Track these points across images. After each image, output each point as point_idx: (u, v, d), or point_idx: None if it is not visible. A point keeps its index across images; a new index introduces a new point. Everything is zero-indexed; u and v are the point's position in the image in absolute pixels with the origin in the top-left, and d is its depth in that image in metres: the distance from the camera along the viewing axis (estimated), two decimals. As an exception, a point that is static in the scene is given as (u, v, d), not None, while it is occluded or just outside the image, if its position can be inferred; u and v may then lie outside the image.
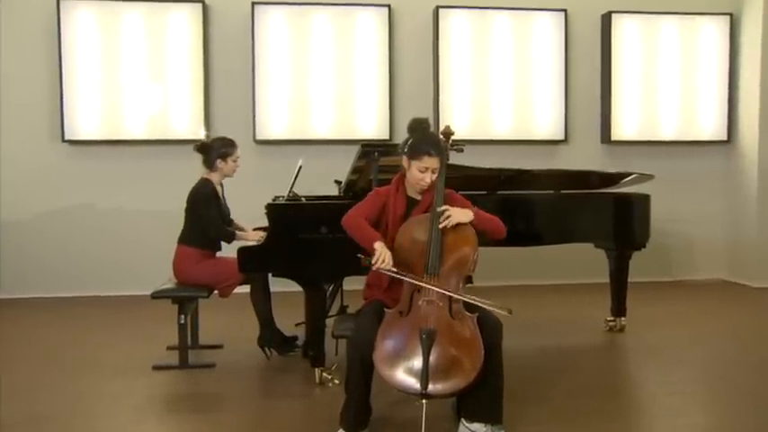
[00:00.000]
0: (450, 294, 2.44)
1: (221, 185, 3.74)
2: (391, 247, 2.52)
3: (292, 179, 3.81)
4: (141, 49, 5.45)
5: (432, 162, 2.55)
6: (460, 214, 2.54)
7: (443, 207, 2.52)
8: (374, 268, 2.43)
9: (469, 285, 2.57)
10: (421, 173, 2.57)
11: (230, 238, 3.58)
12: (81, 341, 4.09)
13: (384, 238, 2.60)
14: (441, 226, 2.49)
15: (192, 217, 3.58)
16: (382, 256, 2.43)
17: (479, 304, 2.42)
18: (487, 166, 3.65)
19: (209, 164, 3.62)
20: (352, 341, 2.47)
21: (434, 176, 2.58)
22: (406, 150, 2.60)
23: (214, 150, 3.61)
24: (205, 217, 3.53)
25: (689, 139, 6.05)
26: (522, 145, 5.84)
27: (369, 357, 2.39)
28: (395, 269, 2.44)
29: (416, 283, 2.45)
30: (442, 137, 2.74)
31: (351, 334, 2.52)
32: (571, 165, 5.42)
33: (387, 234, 2.64)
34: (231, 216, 3.78)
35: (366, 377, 2.45)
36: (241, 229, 3.69)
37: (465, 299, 2.44)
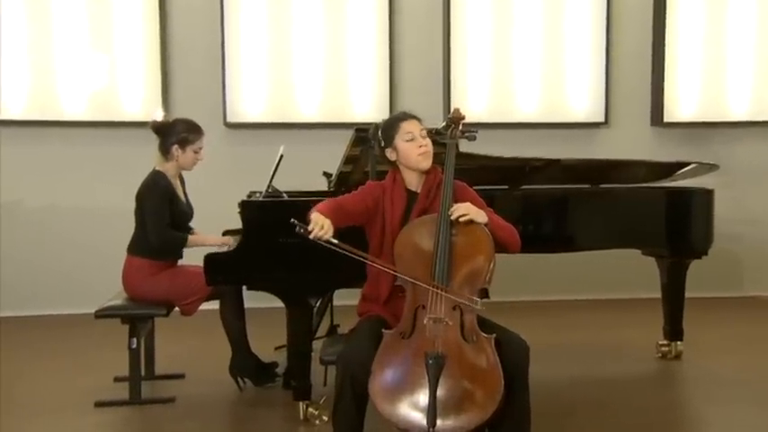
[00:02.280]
0: (454, 298, 2.47)
1: (181, 180, 3.75)
2: (390, 254, 2.57)
3: (272, 171, 3.84)
4: (81, 10, 5.47)
5: (411, 125, 2.68)
6: (474, 213, 2.58)
7: (455, 207, 2.57)
8: (312, 237, 2.42)
9: (485, 301, 2.57)
10: (409, 141, 2.67)
11: (178, 244, 3.57)
12: (2, 372, 4.05)
13: (380, 242, 2.65)
14: (453, 217, 2.53)
15: (142, 219, 3.59)
16: (319, 222, 2.43)
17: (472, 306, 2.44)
18: (510, 155, 3.67)
19: (165, 150, 3.64)
20: (341, 361, 2.50)
21: (427, 139, 2.68)
22: (382, 142, 2.72)
23: (173, 134, 3.62)
24: (149, 217, 3.52)
25: (763, 119, 6.04)
26: (552, 129, 5.85)
27: (362, 382, 2.42)
28: (336, 241, 2.44)
29: (386, 270, 2.49)
30: (450, 123, 2.78)
31: (341, 351, 2.55)
32: (613, 153, 5.43)
33: (384, 237, 2.68)
34: (194, 219, 3.79)
35: (359, 407, 2.48)
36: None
37: (461, 300, 2.46)
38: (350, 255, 2.46)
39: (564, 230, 3.75)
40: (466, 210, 2.56)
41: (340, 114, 5.63)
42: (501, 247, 2.65)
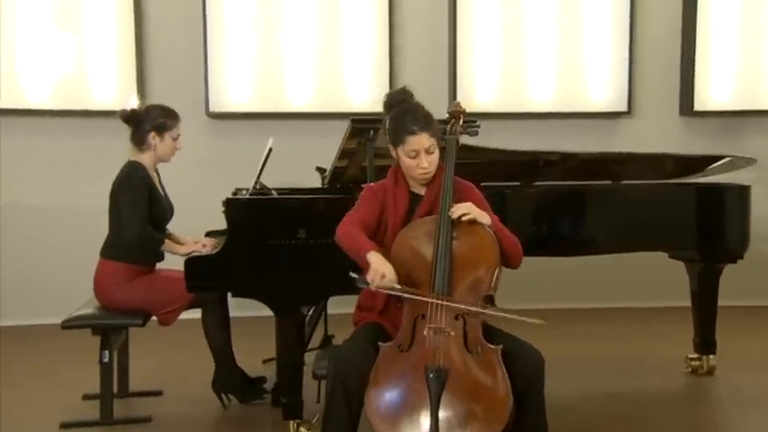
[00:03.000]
0: (468, 309, 2.48)
1: (157, 173, 3.73)
2: (388, 259, 2.57)
3: (260, 166, 3.83)
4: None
5: (418, 141, 2.63)
6: (477, 214, 2.60)
7: (456, 206, 2.59)
8: (373, 288, 2.47)
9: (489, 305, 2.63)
10: (411, 159, 2.66)
11: (156, 245, 3.56)
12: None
13: (385, 247, 2.66)
14: (453, 216, 2.55)
15: (117, 218, 3.60)
16: (380, 270, 2.46)
17: (495, 314, 2.47)
18: (522, 149, 3.66)
19: (139, 140, 3.63)
20: (333, 368, 2.52)
21: (432, 157, 2.66)
22: (387, 135, 2.73)
23: (147, 121, 3.61)
24: (124, 211, 3.50)
25: (806, 108, 6.01)
26: (569, 119, 5.84)
27: (357, 392, 2.44)
28: (399, 286, 2.48)
29: (427, 300, 2.48)
30: (450, 118, 2.82)
31: (332, 356, 2.57)
32: (637, 145, 5.33)
33: (384, 240, 2.71)
34: (173, 219, 3.77)
35: (352, 421, 2.49)
36: (177, 242, 3.66)
37: (474, 310, 2.47)
38: (417, 299, 2.49)
39: (582, 231, 3.74)
40: (467, 209, 2.57)
41: (335, 104, 5.62)
42: (503, 257, 2.66)
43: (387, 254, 2.63)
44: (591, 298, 5.84)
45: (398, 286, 2.48)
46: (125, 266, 3.57)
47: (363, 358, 2.48)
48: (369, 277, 2.47)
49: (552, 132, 5.71)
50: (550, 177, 3.91)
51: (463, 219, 2.56)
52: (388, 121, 2.72)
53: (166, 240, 3.59)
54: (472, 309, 2.49)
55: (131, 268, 3.58)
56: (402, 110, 2.71)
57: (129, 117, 3.64)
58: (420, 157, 2.64)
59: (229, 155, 5.44)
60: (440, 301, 2.48)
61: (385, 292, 2.49)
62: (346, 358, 2.50)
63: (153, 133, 3.61)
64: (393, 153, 2.73)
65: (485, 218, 2.60)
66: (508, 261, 2.68)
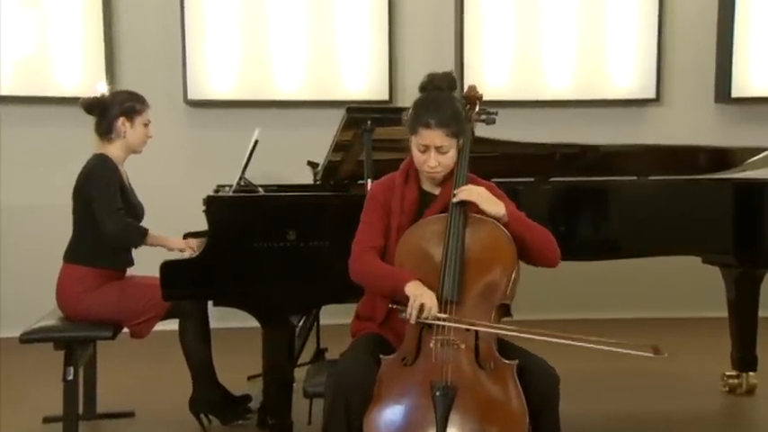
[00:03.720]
0: (493, 330, 2.48)
1: (124, 172, 3.70)
2: (392, 263, 2.62)
3: (244, 160, 3.83)
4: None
5: (430, 137, 2.63)
6: (485, 198, 2.61)
7: (466, 186, 2.60)
8: (412, 321, 2.47)
9: (507, 320, 2.59)
10: (421, 153, 2.67)
11: (137, 236, 3.55)
12: None
13: (389, 252, 2.67)
14: (455, 200, 2.57)
15: (83, 217, 3.58)
16: (417, 301, 2.46)
17: (582, 344, 2.47)
18: (536, 140, 3.65)
19: (107, 128, 3.62)
20: (333, 382, 2.51)
21: (444, 157, 2.67)
22: (408, 121, 2.73)
23: (115, 105, 3.61)
24: (98, 200, 3.48)
25: None
26: (589, 108, 5.82)
27: (358, 409, 2.44)
28: (444, 315, 2.48)
29: (478, 329, 2.48)
30: (465, 103, 2.83)
31: (332, 371, 2.57)
32: (667, 136, 5.29)
33: (388, 243, 2.71)
34: (146, 219, 3.75)
35: None
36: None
37: (538, 337, 2.45)
38: (459, 326, 2.48)
39: (604, 233, 3.73)
40: (476, 195, 2.59)
41: (328, 91, 5.63)
42: (532, 252, 2.66)
43: (389, 259, 2.66)
44: (614, 307, 5.82)
45: (443, 315, 2.47)
46: (92, 271, 3.55)
47: (365, 372, 2.48)
48: (408, 311, 2.47)
49: (571, 122, 5.70)
50: (568, 172, 3.89)
51: (465, 198, 2.57)
52: (412, 108, 2.73)
53: (152, 234, 3.57)
54: (536, 337, 2.46)
55: (99, 273, 3.56)
56: (428, 98, 2.71)
57: (93, 105, 3.63)
58: (429, 153, 2.65)
59: (211, 148, 5.44)
60: (493, 330, 2.49)
61: (431, 323, 2.48)
62: (347, 373, 2.49)
63: (122, 119, 3.60)
64: (409, 141, 2.74)
65: (494, 206, 2.60)
66: (539, 258, 2.68)
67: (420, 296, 2.46)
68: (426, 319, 2.45)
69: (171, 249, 3.57)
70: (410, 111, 2.71)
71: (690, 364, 4.68)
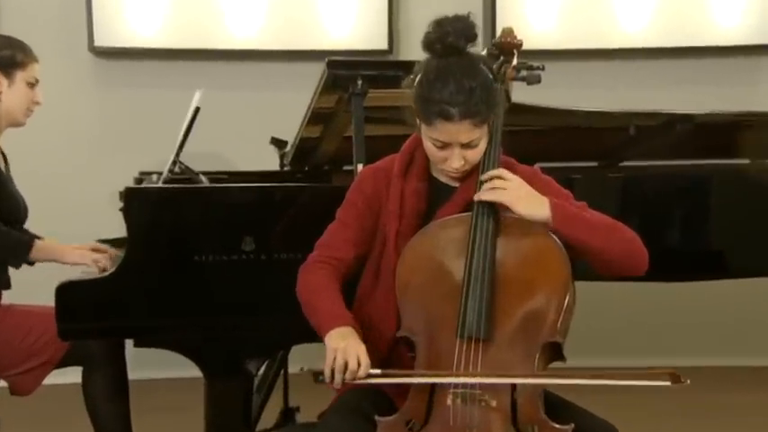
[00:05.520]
0: (537, 381, 2.20)
1: (3, 156, 3.27)
2: (392, 285, 2.34)
3: (180, 136, 3.46)
4: None
5: (452, 132, 2.30)
6: (521, 196, 2.27)
7: (493, 172, 2.31)
8: (332, 386, 2.24)
9: (559, 365, 2.25)
10: (438, 149, 2.35)
11: (19, 249, 3.11)
12: None
13: (377, 265, 2.43)
14: (480, 197, 2.29)
15: None
16: (339, 358, 2.23)
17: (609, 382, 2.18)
18: (600, 108, 3.36)
19: None
20: None
21: (473, 153, 2.35)
22: (414, 98, 2.42)
23: None
24: None
25: None
26: (677, 59, 5.26)
27: None
28: (379, 371, 2.25)
29: (443, 381, 2.21)
30: (498, 54, 2.52)
31: None
32: None
33: (382, 258, 2.43)
34: (31, 219, 3.34)
35: None
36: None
37: (549, 381, 2.23)
38: (405, 383, 2.27)
39: (700, 242, 3.36)
40: (508, 195, 2.26)
41: (301, 38, 5.09)
42: (599, 266, 2.33)
43: (387, 277, 2.36)
44: (706, 351, 5.25)
45: (376, 371, 2.24)
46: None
47: None
48: (326, 372, 2.22)
49: (650, 81, 5.18)
50: (648, 155, 3.57)
51: (492, 199, 2.25)
52: (419, 75, 2.36)
53: (39, 242, 3.12)
54: (542, 381, 2.19)
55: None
56: (445, 71, 2.31)
57: None
58: (451, 150, 2.31)
59: (130, 118, 4.97)
60: (470, 380, 2.18)
61: (360, 382, 2.25)
62: None
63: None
64: (415, 123, 2.45)
65: (531, 206, 2.26)
66: (610, 267, 2.34)
67: (342, 351, 2.22)
68: (360, 379, 2.24)
69: (72, 264, 3.12)
70: (416, 84, 2.35)
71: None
